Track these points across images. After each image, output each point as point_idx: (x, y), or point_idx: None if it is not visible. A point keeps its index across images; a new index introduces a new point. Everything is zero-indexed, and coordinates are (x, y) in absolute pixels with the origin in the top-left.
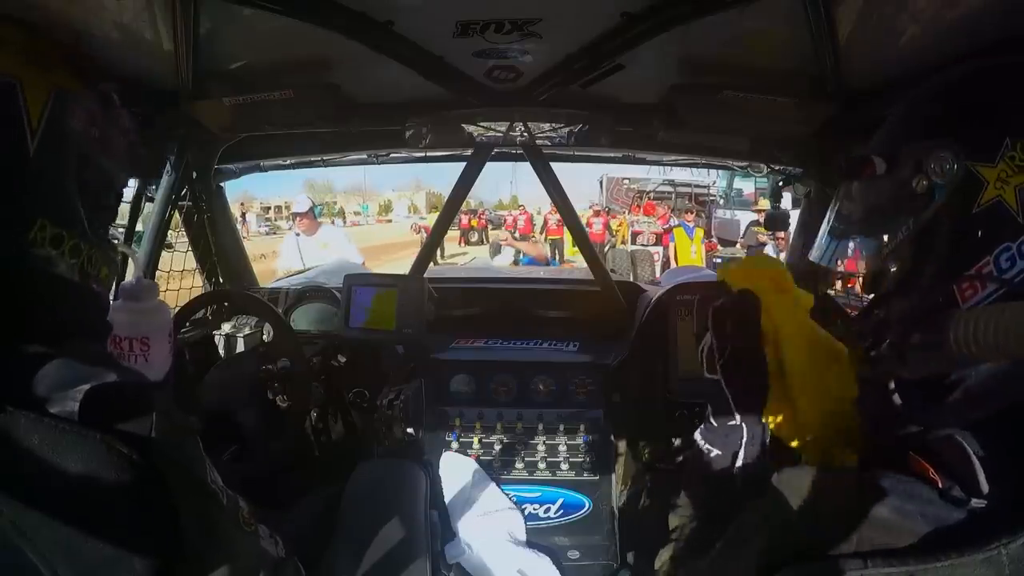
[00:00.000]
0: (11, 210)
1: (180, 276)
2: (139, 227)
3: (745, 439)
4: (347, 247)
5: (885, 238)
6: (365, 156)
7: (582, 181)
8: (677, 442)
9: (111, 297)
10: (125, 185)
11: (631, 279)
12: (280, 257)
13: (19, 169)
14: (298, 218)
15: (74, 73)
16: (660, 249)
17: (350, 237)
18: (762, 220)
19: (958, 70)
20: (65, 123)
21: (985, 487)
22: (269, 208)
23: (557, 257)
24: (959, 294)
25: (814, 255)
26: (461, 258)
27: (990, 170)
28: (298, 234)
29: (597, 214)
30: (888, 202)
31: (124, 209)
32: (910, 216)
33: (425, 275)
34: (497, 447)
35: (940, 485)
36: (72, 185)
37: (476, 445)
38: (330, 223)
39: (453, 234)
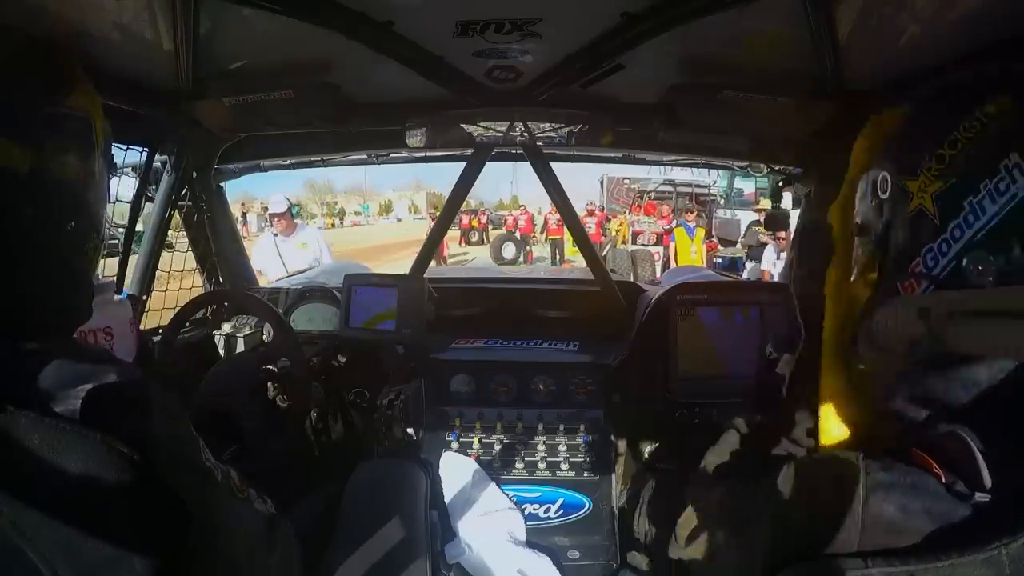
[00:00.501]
0: (83, 223)
1: (180, 276)
2: (139, 227)
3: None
4: (324, 248)
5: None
6: (365, 156)
7: (581, 181)
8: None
9: None
10: None
11: (631, 279)
12: (253, 259)
13: (93, 191)
14: (276, 219)
15: (106, 111)
16: (660, 249)
17: (326, 238)
18: (763, 220)
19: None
20: (109, 151)
21: (988, 481)
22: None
23: (557, 257)
24: (903, 292)
25: None
26: (465, 259)
27: (914, 183)
28: (275, 235)
29: (591, 213)
30: (860, 221)
31: (124, 209)
32: (871, 232)
33: (425, 275)
34: (497, 447)
35: (943, 480)
36: (107, 200)
37: (476, 445)
38: (311, 224)
39: (453, 234)
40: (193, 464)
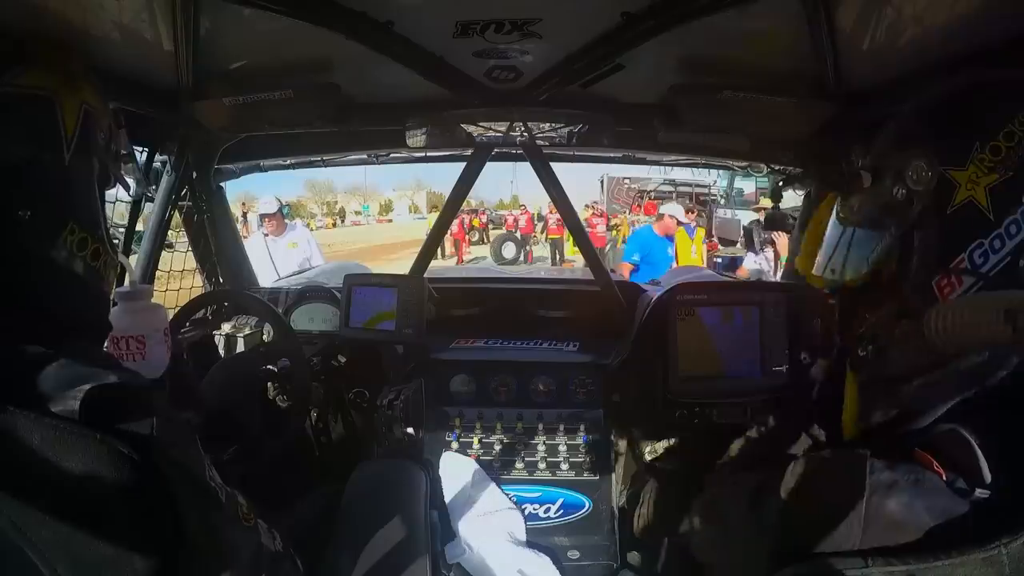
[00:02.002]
0: (48, 212)
1: (180, 276)
2: (139, 227)
3: None
4: (315, 248)
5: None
6: (365, 156)
7: (570, 181)
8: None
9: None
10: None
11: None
12: None
13: (57, 175)
14: (266, 219)
15: (97, 92)
16: None
17: (317, 238)
18: (763, 219)
19: (934, 92)
20: (92, 136)
21: (988, 477)
22: None
23: (557, 257)
24: (938, 291)
25: (819, 269)
26: (479, 260)
27: (961, 173)
28: (267, 235)
29: (601, 215)
30: (877, 211)
31: (124, 209)
32: (894, 222)
33: (425, 275)
34: (497, 447)
35: (944, 478)
36: (96, 192)
37: (476, 445)
38: (312, 223)
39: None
40: (198, 480)
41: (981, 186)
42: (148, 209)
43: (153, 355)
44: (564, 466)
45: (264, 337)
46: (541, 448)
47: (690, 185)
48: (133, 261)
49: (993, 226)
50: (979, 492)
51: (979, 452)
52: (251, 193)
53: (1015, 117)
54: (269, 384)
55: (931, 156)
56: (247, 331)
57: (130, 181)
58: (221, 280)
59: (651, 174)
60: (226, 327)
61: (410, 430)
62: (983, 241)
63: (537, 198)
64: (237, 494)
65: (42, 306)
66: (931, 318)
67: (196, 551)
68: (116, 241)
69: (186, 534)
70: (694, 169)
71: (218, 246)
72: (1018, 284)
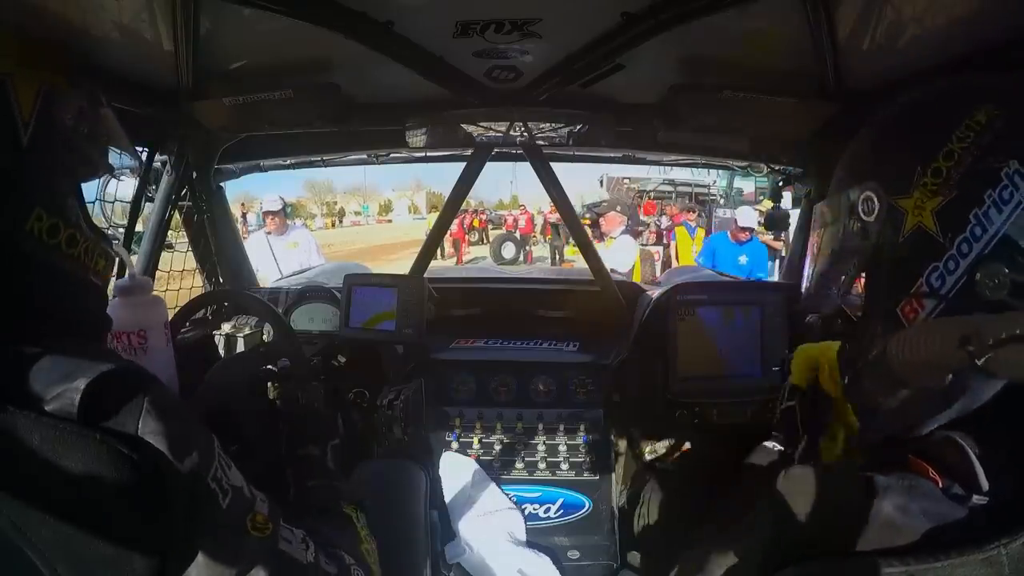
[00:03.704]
0: (9, 199)
1: (180, 276)
2: (139, 227)
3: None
4: (314, 248)
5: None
6: (365, 156)
7: (580, 181)
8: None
9: (110, 292)
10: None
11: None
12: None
13: (15, 160)
14: (269, 216)
15: (61, 71)
16: (660, 249)
17: (316, 238)
18: (762, 219)
19: (875, 122)
20: (55, 118)
21: (985, 484)
22: None
23: (557, 257)
24: (903, 317)
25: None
26: (479, 260)
27: (907, 200)
28: (268, 233)
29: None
30: (838, 246)
31: (123, 208)
32: (854, 255)
33: (425, 275)
34: (497, 447)
35: (940, 485)
36: (65, 177)
37: (476, 445)
38: (311, 224)
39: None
40: (198, 480)
41: (927, 211)
42: (148, 209)
43: (154, 350)
44: (564, 466)
45: (264, 337)
46: (541, 448)
47: (690, 185)
48: (133, 261)
49: (945, 248)
50: (976, 499)
51: (975, 459)
52: (251, 193)
53: (952, 134)
54: (269, 384)
55: (878, 187)
56: (247, 331)
57: (124, 171)
58: (221, 280)
59: (651, 174)
60: (226, 327)
61: (410, 430)
62: (937, 264)
63: (537, 198)
64: (257, 499)
65: (26, 300)
66: (892, 345)
67: (186, 553)
68: (112, 234)
69: (177, 531)
70: (694, 169)
71: (218, 246)
72: (977, 300)
